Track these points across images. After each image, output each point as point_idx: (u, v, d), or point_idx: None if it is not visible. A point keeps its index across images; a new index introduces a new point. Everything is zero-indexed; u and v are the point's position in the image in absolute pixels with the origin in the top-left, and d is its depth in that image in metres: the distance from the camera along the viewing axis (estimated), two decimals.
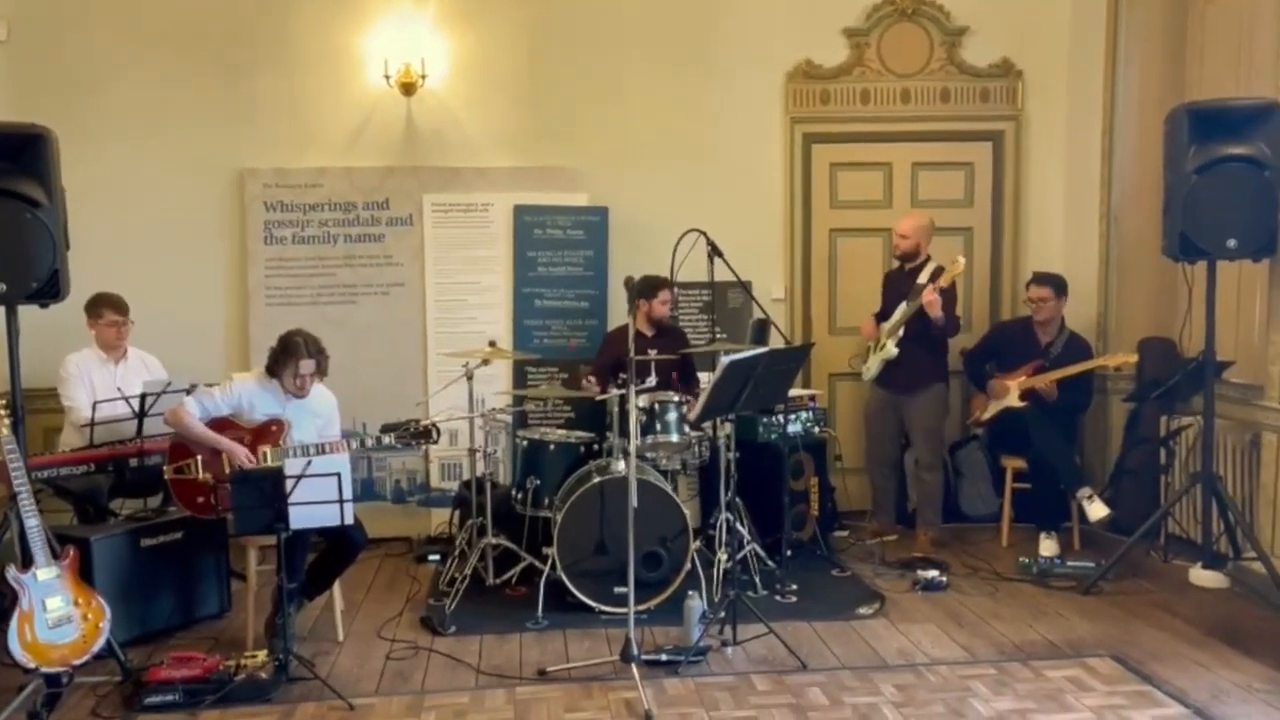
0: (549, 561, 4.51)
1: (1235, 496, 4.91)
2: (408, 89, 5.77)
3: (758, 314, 5.59)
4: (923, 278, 5.42)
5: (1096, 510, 5.07)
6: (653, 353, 4.84)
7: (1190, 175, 4.39)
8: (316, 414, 4.39)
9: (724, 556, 4.74)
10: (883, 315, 5.62)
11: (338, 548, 4.22)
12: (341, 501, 3.80)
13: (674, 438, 4.81)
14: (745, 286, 5.38)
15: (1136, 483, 5.58)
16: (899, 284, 5.57)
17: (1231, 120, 4.36)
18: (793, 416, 5.36)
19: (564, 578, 4.48)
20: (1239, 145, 4.34)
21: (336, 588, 4.40)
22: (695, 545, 4.60)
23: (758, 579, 4.85)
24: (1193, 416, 5.08)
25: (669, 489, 4.61)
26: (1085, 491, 5.16)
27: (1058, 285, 5.45)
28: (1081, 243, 6.06)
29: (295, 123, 5.85)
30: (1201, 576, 4.78)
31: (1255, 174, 4.34)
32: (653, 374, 4.70)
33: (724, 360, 3.77)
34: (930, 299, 5.18)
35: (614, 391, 4.59)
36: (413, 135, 5.91)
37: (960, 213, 6.25)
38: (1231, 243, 4.37)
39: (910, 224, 5.50)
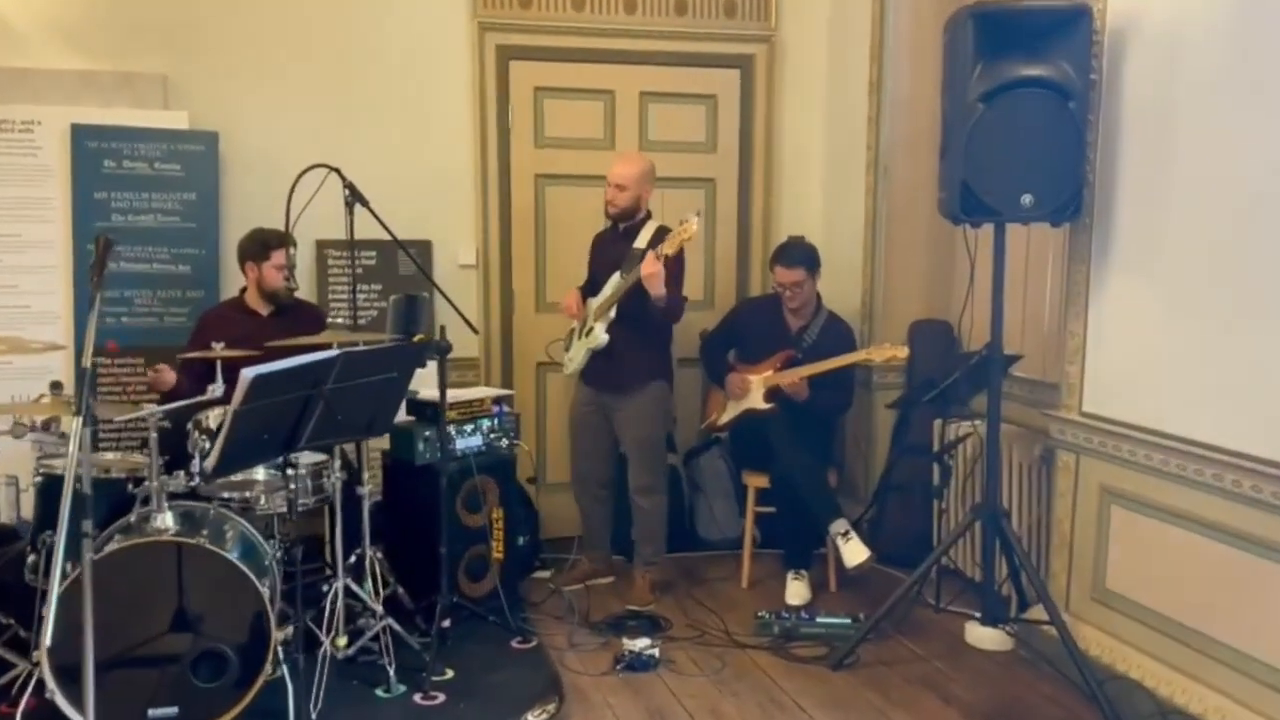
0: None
1: (1020, 528, 3.86)
2: None
3: (447, 284, 4.10)
4: (641, 241, 4.09)
5: (854, 553, 3.88)
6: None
7: (975, 104, 3.18)
8: None
9: (343, 642, 3.33)
10: (591, 289, 4.26)
11: None
12: None
13: (260, 474, 3.27)
14: (402, 246, 3.88)
15: (904, 501, 4.50)
16: (611, 250, 4.22)
17: (1030, 28, 3.17)
18: (469, 427, 3.96)
19: (57, 694, 2.86)
20: (1037, 65, 3.16)
21: None
22: (282, 635, 3.08)
23: (392, 670, 3.38)
24: (972, 423, 3.99)
25: (235, 558, 3.03)
26: (840, 526, 3.96)
27: (811, 262, 4.24)
28: (845, 200, 4.86)
29: None
30: (981, 636, 3.69)
31: (1058, 105, 3.17)
32: (219, 378, 3.12)
33: (246, 375, 2.25)
34: (651, 270, 3.84)
35: (166, 405, 3.02)
36: None
37: (702, 160, 4.95)
38: (1027, 199, 3.20)
39: (628, 170, 4.12)
